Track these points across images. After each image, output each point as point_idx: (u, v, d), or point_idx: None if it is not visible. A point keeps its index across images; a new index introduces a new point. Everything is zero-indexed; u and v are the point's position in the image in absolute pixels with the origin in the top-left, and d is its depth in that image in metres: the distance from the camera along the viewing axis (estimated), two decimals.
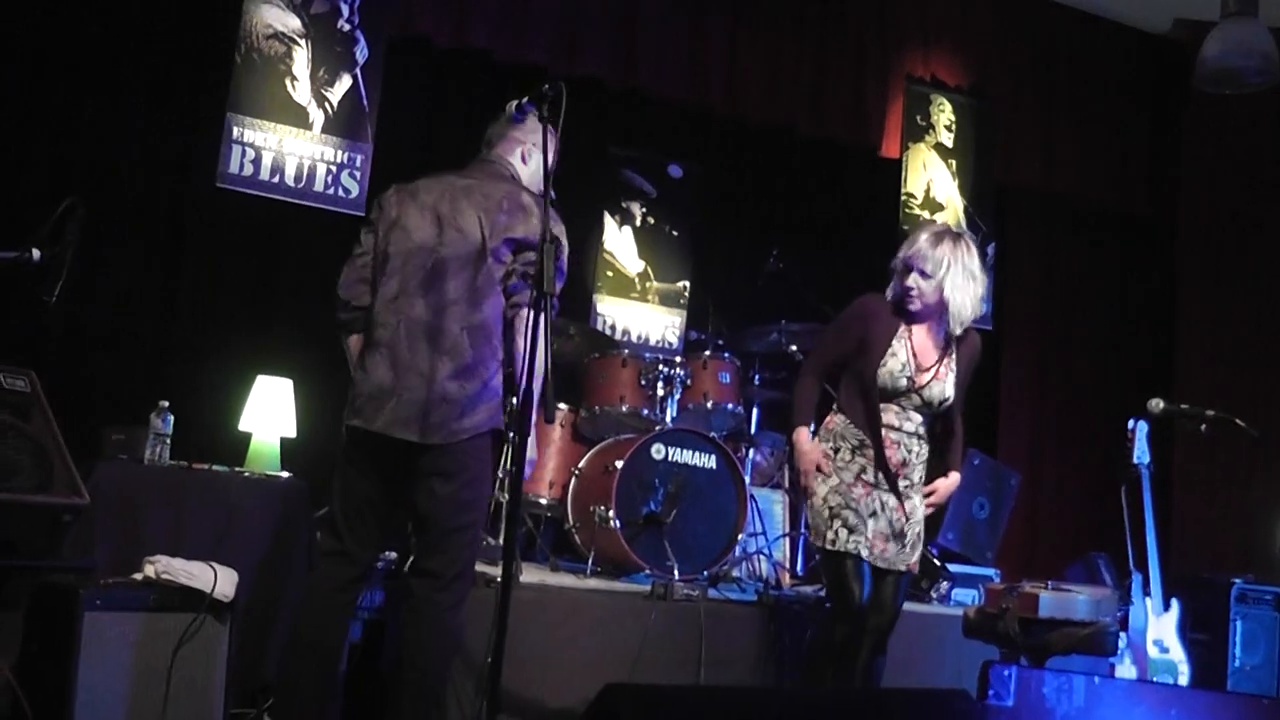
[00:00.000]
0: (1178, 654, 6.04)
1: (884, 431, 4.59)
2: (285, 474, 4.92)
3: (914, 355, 4.61)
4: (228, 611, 4.23)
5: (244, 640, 4.38)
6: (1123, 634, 5.92)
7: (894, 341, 4.62)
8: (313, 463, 5.39)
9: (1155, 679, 5.90)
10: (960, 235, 4.67)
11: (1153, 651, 5.94)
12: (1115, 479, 6.03)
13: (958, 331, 4.63)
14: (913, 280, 4.58)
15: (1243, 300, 8.49)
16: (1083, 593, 4.87)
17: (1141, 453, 5.91)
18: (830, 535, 4.52)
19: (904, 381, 4.59)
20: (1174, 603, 6.10)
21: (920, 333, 4.66)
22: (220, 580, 4.20)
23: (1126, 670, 5.73)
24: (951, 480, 4.74)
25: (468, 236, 3.98)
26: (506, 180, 4.13)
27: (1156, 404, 4.70)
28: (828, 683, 4.47)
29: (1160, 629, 6.03)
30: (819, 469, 4.59)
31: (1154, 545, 6.03)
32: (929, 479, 4.73)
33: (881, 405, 4.60)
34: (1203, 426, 4.83)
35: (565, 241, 3.89)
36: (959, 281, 4.54)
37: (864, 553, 4.49)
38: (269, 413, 5.11)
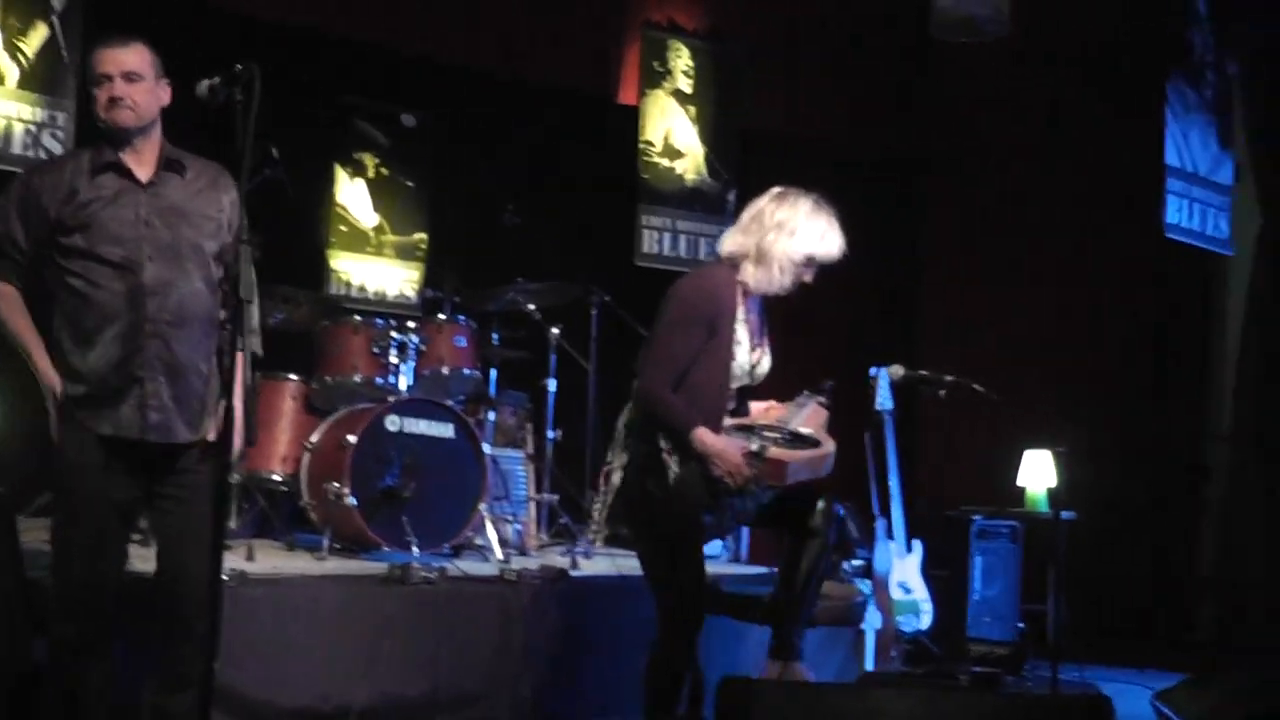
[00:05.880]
0: (921, 593, 6.21)
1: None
2: None
3: (750, 333, 4.24)
4: None
5: None
6: (866, 581, 6.04)
7: (736, 325, 4.20)
8: (15, 473, 4.94)
9: (900, 619, 6.03)
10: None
11: (897, 594, 6.08)
12: (861, 427, 6.11)
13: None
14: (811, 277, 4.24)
15: (989, 239, 8.67)
16: None
17: (884, 399, 6.00)
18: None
19: (748, 365, 4.25)
20: (916, 544, 6.25)
21: (748, 306, 4.28)
22: None
23: (872, 617, 5.84)
24: None
25: None
26: None
27: (897, 371, 4.71)
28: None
29: (904, 571, 6.17)
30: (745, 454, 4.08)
31: (897, 489, 6.15)
32: None
33: None
34: (941, 392, 4.87)
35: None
36: None
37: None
38: None
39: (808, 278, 4.24)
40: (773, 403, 4.46)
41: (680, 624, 4.15)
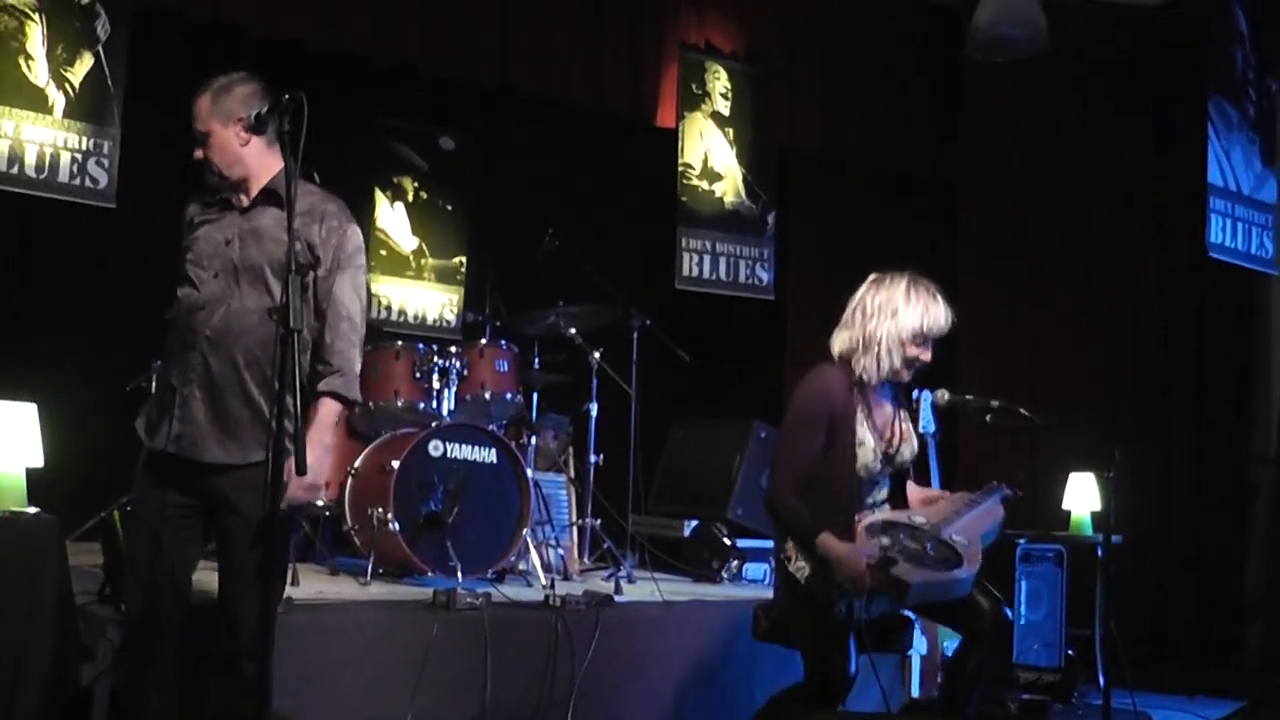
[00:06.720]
0: None
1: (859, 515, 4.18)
2: (32, 510, 4.49)
3: (875, 428, 4.19)
4: None
5: None
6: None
7: (855, 425, 4.16)
8: (64, 496, 4.96)
9: (945, 644, 5.97)
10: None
11: None
12: None
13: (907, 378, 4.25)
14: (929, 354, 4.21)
15: (1019, 258, 8.59)
16: None
17: (927, 422, 5.91)
18: None
19: (879, 465, 4.19)
20: None
21: (870, 396, 4.24)
22: None
23: (918, 643, 5.78)
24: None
25: None
26: None
27: (942, 395, 4.62)
28: None
29: None
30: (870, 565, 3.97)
31: None
32: None
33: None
34: (987, 418, 4.79)
35: None
36: None
37: None
38: (10, 441, 4.64)
39: (925, 356, 4.21)
40: (945, 493, 4.38)
41: (817, 696, 4.16)
